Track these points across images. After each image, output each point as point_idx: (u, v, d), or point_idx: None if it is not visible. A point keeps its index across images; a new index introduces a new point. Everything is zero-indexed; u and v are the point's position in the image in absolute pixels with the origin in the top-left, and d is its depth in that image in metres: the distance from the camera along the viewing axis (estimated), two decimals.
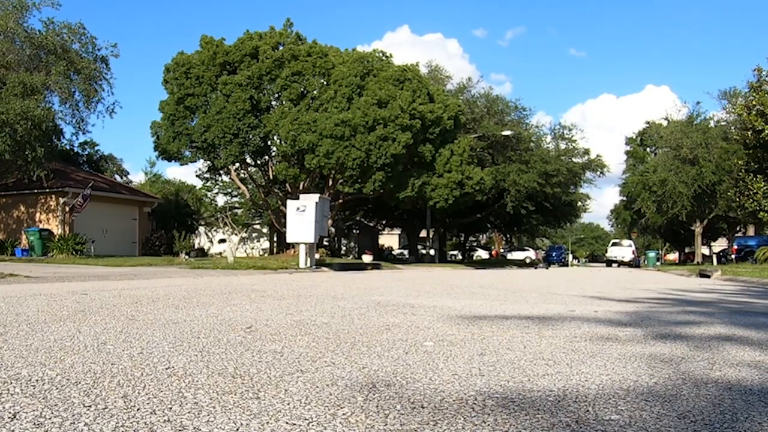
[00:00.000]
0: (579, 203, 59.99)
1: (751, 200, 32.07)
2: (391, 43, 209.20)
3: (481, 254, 76.50)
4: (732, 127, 46.63)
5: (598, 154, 52.53)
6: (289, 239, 25.25)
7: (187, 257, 27.56)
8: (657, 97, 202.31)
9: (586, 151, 52.34)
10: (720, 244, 69.40)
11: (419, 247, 56.59)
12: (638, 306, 8.98)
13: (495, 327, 5.88)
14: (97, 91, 29.98)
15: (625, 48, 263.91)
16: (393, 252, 63.49)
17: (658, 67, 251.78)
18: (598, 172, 53.58)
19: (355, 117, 29.29)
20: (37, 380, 3.32)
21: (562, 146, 52.06)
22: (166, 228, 37.79)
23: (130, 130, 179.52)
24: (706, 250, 63.14)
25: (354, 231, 60.12)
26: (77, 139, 50.44)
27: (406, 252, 60.30)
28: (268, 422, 2.63)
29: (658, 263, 58.42)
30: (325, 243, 42.04)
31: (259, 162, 36.06)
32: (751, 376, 3.81)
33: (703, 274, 26.19)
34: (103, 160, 54.19)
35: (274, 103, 32.54)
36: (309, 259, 24.65)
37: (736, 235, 58.95)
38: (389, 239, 74.11)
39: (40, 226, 31.08)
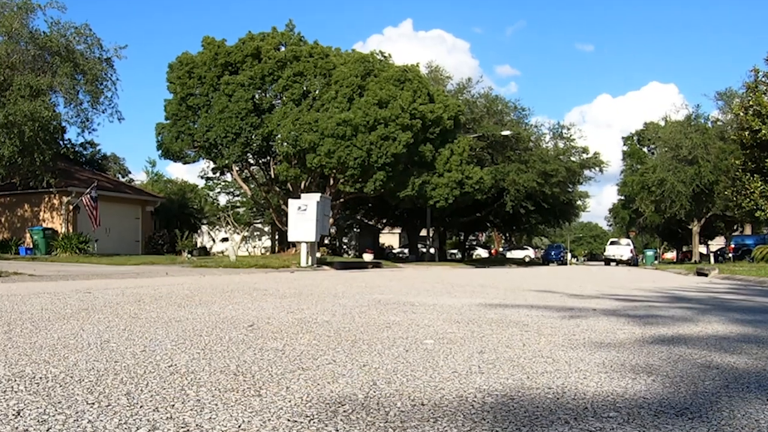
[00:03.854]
0: (578, 202, 59.99)
1: (747, 199, 32.05)
2: (394, 36, 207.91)
3: (481, 253, 76.54)
4: (729, 127, 46.60)
5: (596, 152, 52.44)
6: (291, 238, 25.27)
7: (189, 256, 27.55)
8: (661, 95, 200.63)
9: (585, 149, 52.33)
10: (717, 243, 69.39)
11: (419, 245, 56.57)
12: (636, 304, 8.98)
13: (494, 325, 5.88)
14: (103, 91, 29.99)
15: (631, 44, 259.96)
16: (393, 251, 63.50)
17: (665, 64, 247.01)
18: (597, 169, 53.55)
19: (356, 117, 29.28)
20: (41, 378, 3.32)
21: (561, 145, 52.07)
22: (168, 227, 37.77)
23: (131, 130, 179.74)
24: (703, 249, 63.11)
25: (355, 230, 60.12)
26: (83, 138, 50.41)
27: (406, 251, 60.23)
28: (269, 419, 2.62)
29: (655, 262, 58.38)
30: (326, 242, 42.04)
31: (261, 161, 36.04)
32: (748, 370, 3.81)
33: (700, 273, 26.17)
34: (106, 160, 54.18)
35: (275, 103, 32.53)
36: (310, 258, 24.66)
37: (733, 233, 58.95)
38: (390, 238, 74.10)
39: (44, 225, 31.08)
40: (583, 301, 9.20)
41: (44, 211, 32.62)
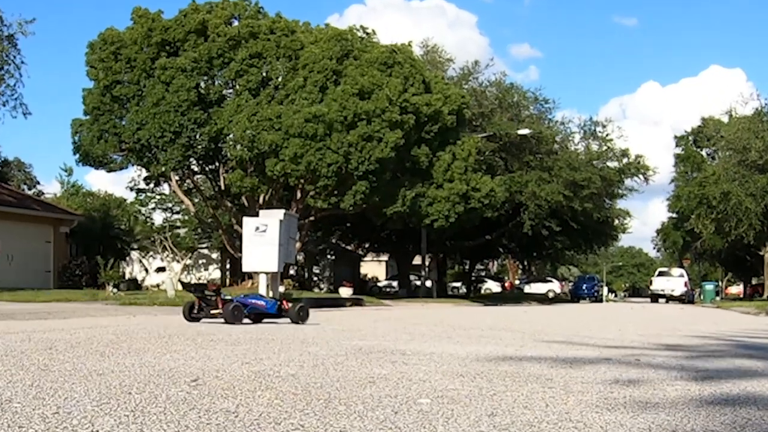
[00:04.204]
0: (616, 221, 60.12)
1: None
2: (379, 7, 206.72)
3: (492, 287, 76.53)
4: None
5: (639, 155, 52.44)
6: (246, 267, 25.21)
7: (115, 290, 27.49)
8: (725, 82, 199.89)
9: (625, 152, 52.25)
10: None
11: (412, 277, 56.58)
12: (692, 353, 9.01)
13: (509, 380, 5.89)
14: (4, 78, 29.92)
15: (685, 17, 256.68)
16: (379, 284, 63.52)
17: (729, 43, 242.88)
18: (641, 178, 53.56)
19: (330, 111, 29.34)
20: None
21: (594, 148, 52.06)
22: (88, 253, 37.62)
23: (41, 128, 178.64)
24: None
25: (329, 257, 60.14)
26: None
27: (395, 284, 60.26)
28: None
29: (717, 298, 58.46)
30: (292, 272, 42.02)
31: (207, 169, 36.03)
32: None
33: None
34: (7, 167, 53.99)
35: (226, 93, 32.54)
36: (271, 293, 24.62)
37: None
38: (374, 268, 74.09)
39: None
40: (623, 351, 9.23)
41: None
